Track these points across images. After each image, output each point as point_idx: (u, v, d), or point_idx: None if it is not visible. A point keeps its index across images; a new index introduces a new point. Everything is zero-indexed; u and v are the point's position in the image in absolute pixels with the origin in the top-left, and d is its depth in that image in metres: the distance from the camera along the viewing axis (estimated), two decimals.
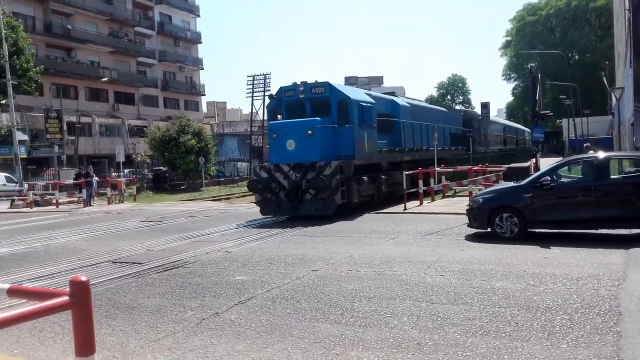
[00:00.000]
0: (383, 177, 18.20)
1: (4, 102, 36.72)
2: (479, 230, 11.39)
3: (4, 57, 33.13)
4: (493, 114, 48.43)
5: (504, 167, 18.76)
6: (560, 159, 15.38)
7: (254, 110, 52.89)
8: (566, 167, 11.84)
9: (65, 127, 43.44)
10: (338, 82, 20.06)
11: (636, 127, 23.98)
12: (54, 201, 27.60)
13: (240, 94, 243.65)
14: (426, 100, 59.07)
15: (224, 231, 14.28)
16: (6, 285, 3.57)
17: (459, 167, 22.46)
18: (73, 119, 46.39)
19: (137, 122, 57.57)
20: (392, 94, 22.81)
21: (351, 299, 6.77)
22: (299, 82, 17.15)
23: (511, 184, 12.01)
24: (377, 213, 16.57)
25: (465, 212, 12.08)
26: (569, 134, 55.06)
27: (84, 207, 25.82)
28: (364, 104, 17.20)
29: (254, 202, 16.92)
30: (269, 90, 44.64)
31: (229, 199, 28.49)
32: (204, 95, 73.58)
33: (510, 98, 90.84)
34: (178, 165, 36.88)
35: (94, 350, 3.14)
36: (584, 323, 5.48)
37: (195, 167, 37.42)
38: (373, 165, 17.91)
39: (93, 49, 54.05)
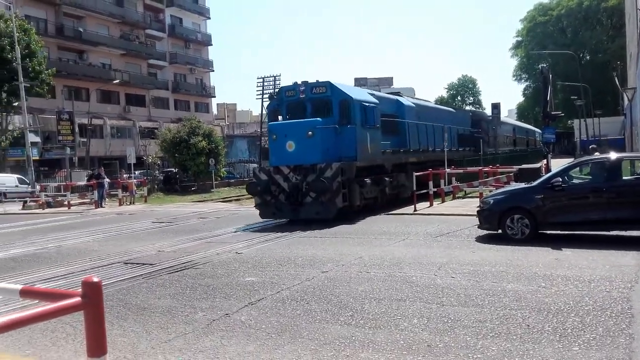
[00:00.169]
0: (387, 179, 17.75)
1: (16, 104, 37.09)
2: (490, 232, 11.34)
3: (17, 60, 33.48)
4: (504, 115, 48.17)
5: (515, 168, 18.66)
6: (571, 160, 15.25)
7: (263, 112, 53.05)
8: (578, 168, 11.76)
9: (77, 129, 43.70)
10: (348, 84, 19.96)
11: None
12: (66, 202, 27.81)
13: (250, 96, 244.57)
14: (436, 101, 58.92)
15: (234, 232, 14.32)
16: (19, 286, 3.61)
17: (469, 169, 22.35)
18: (85, 121, 46.72)
19: (148, 124, 57.90)
20: (397, 94, 22.41)
21: (361, 300, 6.76)
22: (300, 82, 16.77)
23: (522, 185, 11.95)
24: (387, 214, 16.54)
25: (475, 213, 12.04)
26: (581, 134, 54.68)
27: (96, 208, 25.99)
28: (367, 104, 16.77)
29: (254, 206, 16.58)
30: None
31: (239, 200, 28.54)
32: (214, 97, 73.89)
33: (521, 99, 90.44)
34: (188, 167, 37.04)
35: (105, 351, 3.16)
36: (596, 325, 5.44)
37: (205, 169, 37.57)
38: (376, 167, 17.45)
39: (104, 51, 54.45)
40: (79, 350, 5.41)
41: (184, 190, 36.98)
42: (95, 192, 26.97)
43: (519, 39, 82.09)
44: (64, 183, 32.69)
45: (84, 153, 45.64)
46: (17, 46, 33.85)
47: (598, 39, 72.74)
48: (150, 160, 40.99)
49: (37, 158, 41.54)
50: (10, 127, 40.31)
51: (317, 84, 16.41)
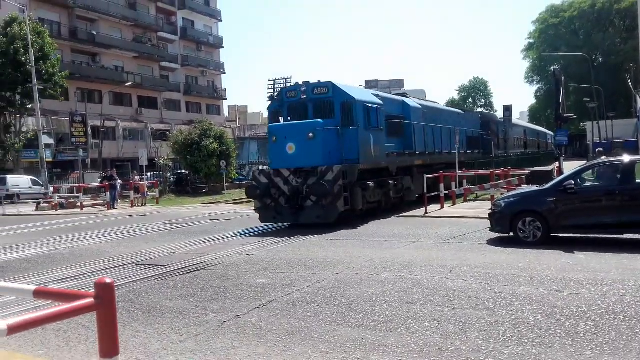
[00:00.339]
0: (391, 182, 17.25)
1: (30, 106, 37.49)
2: (502, 235, 11.28)
3: (31, 62, 33.81)
4: (515, 117, 47.77)
5: (527, 170, 18.57)
6: (584, 162, 15.12)
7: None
8: (590, 171, 11.67)
9: (89, 131, 44.09)
10: (359, 86, 19.95)
11: None
12: (79, 204, 28.04)
13: (261, 98, 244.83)
14: (447, 103, 58.72)
15: (244, 234, 14.36)
16: (33, 287, 3.64)
17: (481, 171, 22.24)
18: (97, 123, 47.10)
19: (160, 126, 58.25)
20: (403, 95, 21.99)
21: (372, 303, 6.75)
22: (301, 82, 16.41)
23: (534, 187, 11.87)
24: (397, 217, 16.50)
25: (487, 216, 11.99)
26: (593, 137, 54.26)
27: (108, 210, 26.18)
28: (370, 105, 16.29)
29: (254, 209, 16.08)
30: None
31: (250, 202, 28.56)
32: (226, 99, 74.18)
33: (533, 101, 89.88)
34: (200, 169, 37.17)
35: (118, 352, 3.18)
36: (609, 329, 5.40)
37: (216, 171, 37.68)
38: (380, 170, 17.02)
39: (117, 54, 54.88)
40: (91, 350, 5.45)
41: (195, 192, 37.13)
42: (108, 194, 27.19)
43: (531, 40, 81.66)
44: (77, 185, 32.98)
45: (96, 155, 45.98)
46: (31, 49, 34.19)
47: (611, 40, 72.19)
48: (162, 162, 41.19)
49: (51, 160, 41.91)
50: (24, 129, 40.77)
51: (319, 85, 16.03)
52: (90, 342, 5.72)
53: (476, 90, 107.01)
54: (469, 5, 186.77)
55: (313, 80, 16.31)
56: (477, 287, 7.25)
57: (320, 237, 12.89)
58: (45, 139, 39.09)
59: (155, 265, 10.14)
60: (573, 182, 10.52)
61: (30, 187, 36.58)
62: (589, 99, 55.00)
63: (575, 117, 39.96)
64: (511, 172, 20.48)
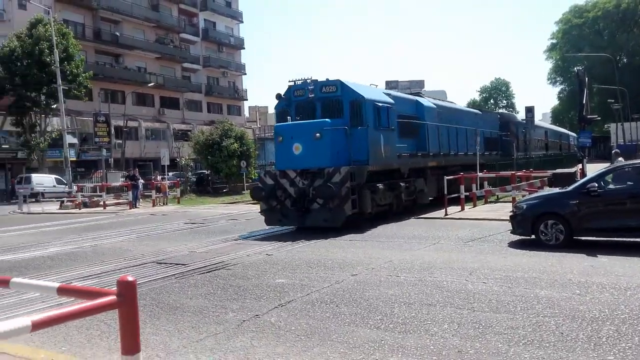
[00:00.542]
0: (402, 184, 16.66)
1: (55, 106, 38.10)
2: (523, 237, 11.17)
3: (55, 63, 34.37)
4: (538, 119, 47.11)
5: (549, 172, 18.32)
6: (607, 164, 14.88)
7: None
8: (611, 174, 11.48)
9: (113, 131, 44.71)
10: (379, 87, 19.70)
11: None
12: (102, 203, 28.43)
13: None
14: (468, 104, 58.18)
15: (264, 234, 14.40)
16: (56, 284, 3.71)
17: (502, 173, 22.00)
18: (120, 123, 47.68)
19: (181, 127, 58.78)
20: (418, 94, 21.33)
21: (391, 304, 6.74)
22: (309, 80, 15.80)
23: (556, 190, 11.73)
24: (417, 218, 16.41)
25: (508, 218, 11.88)
26: (617, 139, 53.39)
27: (130, 209, 26.48)
28: (380, 104, 15.67)
29: (259, 211, 15.68)
30: None
31: None
32: (246, 100, 74.56)
33: (556, 102, 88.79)
34: (220, 169, 37.38)
35: (139, 349, 3.22)
36: (632, 334, 5.31)
37: (237, 171, 37.86)
38: (391, 172, 16.43)
39: (140, 55, 55.50)
40: (112, 348, 5.52)
41: (215, 191, 37.36)
42: (130, 193, 27.50)
43: (554, 41, 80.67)
44: (100, 184, 33.41)
45: (119, 154, 46.54)
46: (55, 50, 34.77)
47: (635, 41, 70.94)
48: (183, 162, 41.55)
49: (75, 159, 42.55)
50: (48, 129, 41.47)
51: (327, 83, 15.51)
52: (112, 339, 5.80)
53: (498, 91, 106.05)
54: (492, 6, 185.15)
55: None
56: (497, 290, 7.18)
57: (339, 238, 12.87)
58: (70, 139, 39.70)
59: (176, 264, 10.23)
60: (596, 185, 10.36)
61: (54, 186, 37.21)
62: (613, 100, 54.16)
63: (599, 118, 39.40)
64: (533, 174, 20.15)
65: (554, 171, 17.89)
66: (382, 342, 5.39)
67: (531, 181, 18.49)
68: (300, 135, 14.76)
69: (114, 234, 16.13)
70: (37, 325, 2.83)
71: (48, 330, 5.70)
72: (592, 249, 9.88)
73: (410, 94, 21.48)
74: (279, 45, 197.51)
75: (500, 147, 27.21)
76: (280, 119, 16.22)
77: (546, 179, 17.38)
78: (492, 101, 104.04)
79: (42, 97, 39.16)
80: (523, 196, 14.91)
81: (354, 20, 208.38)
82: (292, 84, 16.00)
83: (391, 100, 16.60)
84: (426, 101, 19.91)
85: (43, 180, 37.70)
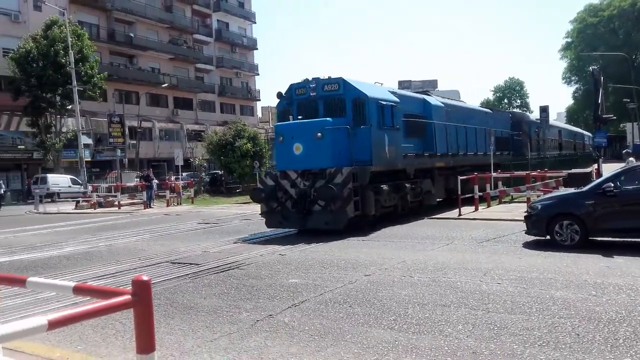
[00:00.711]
0: (408, 185, 16.11)
1: (70, 107, 38.47)
2: (538, 238, 11.09)
3: (70, 64, 34.71)
4: (552, 118, 46.64)
5: (564, 172, 18.14)
6: (623, 164, 14.70)
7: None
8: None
9: (127, 131, 45.06)
10: (392, 87, 19.59)
11: None
12: (116, 203, 28.67)
13: None
14: (481, 104, 57.81)
15: (277, 234, 14.42)
16: (72, 284, 3.74)
17: (516, 173, 21.82)
18: (134, 123, 48.02)
19: (195, 127, 59.08)
20: (425, 92, 20.73)
21: (404, 305, 6.71)
22: (311, 78, 15.39)
23: (572, 190, 11.62)
24: (430, 218, 16.35)
25: (522, 218, 11.79)
26: (633, 138, 52.78)
27: (145, 209, 26.65)
28: (384, 103, 15.18)
29: (260, 213, 15.32)
30: None
31: None
32: (259, 100, 74.74)
33: (571, 101, 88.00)
34: (234, 169, 37.50)
35: (154, 348, 3.24)
36: None
37: (250, 171, 37.92)
38: (397, 172, 15.93)
39: (154, 55, 55.84)
40: (127, 347, 5.56)
41: (229, 192, 37.48)
42: (145, 193, 27.69)
43: (569, 40, 79.92)
44: (115, 184, 33.67)
45: (133, 155, 46.89)
46: (70, 51, 35.11)
47: None
48: (196, 163, 41.73)
49: (89, 159, 42.91)
50: (64, 130, 41.88)
51: (329, 81, 15.04)
52: (126, 338, 5.84)
53: (512, 91, 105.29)
54: (506, 5, 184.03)
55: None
56: (512, 291, 7.13)
57: (352, 238, 12.85)
58: (84, 139, 40.05)
59: (190, 264, 10.29)
60: (612, 185, 10.25)
61: (69, 186, 37.55)
62: (628, 100, 53.58)
63: (615, 118, 38.91)
64: (548, 174, 19.91)
65: (570, 171, 17.72)
66: (396, 342, 5.37)
67: (546, 181, 18.34)
68: (301, 135, 14.38)
69: (128, 233, 16.25)
70: (53, 324, 2.85)
71: (64, 329, 5.75)
72: (608, 250, 9.78)
73: (417, 92, 20.91)
74: (291, 45, 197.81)
75: (511, 146, 26.69)
76: (282, 118, 15.86)
77: (561, 179, 17.23)
78: (505, 101, 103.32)
79: (58, 98, 39.55)
80: (538, 196, 14.79)
81: (367, 20, 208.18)
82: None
83: (396, 99, 16.12)
84: (434, 100, 19.40)
85: (58, 180, 38.07)
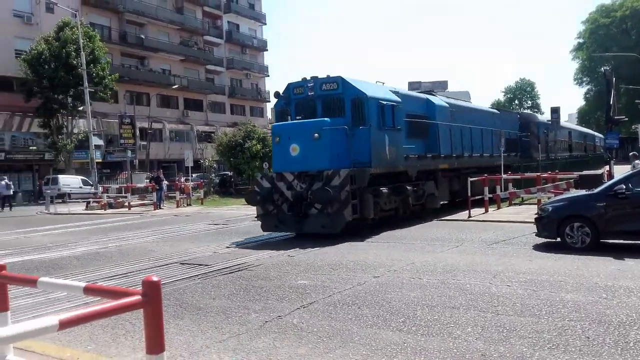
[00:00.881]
0: (409, 188, 15.62)
1: (81, 108, 38.74)
2: (548, 240, 11.02)
3: (82, 66, 34.98)
4: (563, 119, 46.17)
5: (575, 174, 18.04)
6: (630, 167, 14.59)
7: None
8: None
9: (137, 132, 45.30)
10: (402, 87, 19.46)
11: None
12: (127, 204, 28.80)
13: None
14: (492, 105, 57.47)
15: (285, 235, 14.43)
16: (83, 284, 3.77)
17: (526, 174, 21.68)
18: (145, 124, 48.26)
19: (205, 128, 59.28)
20: (429, 92, 20.16)
21: (413, 306, 6.70)
22: (309, 77, 14.98)
23: (583, 192, 11.55)
24: (440, 220, 16.31)
25: (533, 220, 11.73)
26: None
27: (155, 209, 26.77)
28: (385, 102, 14.73)
29: (255, 216, 14.89)
30: None
31: None
32: (269, 101, 74.69)
33: (582, 102, 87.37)
34: (243, 170, 37.60)
35: (163, 349, 3.26)
36: None
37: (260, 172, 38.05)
38: (398, 174, 15.52)
39: (164, 57, 56.08)
40: (137, 347, 5.59)
41: (238, 193, 37.53)
42: (155, 194, 27.82)
43: (580, 40, 79.41)
44: (125, 185, 33.85)
45: (144, 156, 47.11)
46: (82, 52, 35.36)
47: None
48: (206, 164, 41.90)
49: (100, 160, 43.17)
50: (75, 131, 42.19)
51: (327, 80, 14.59)
52: (136, 339, 5.87)
53: (522, 92, 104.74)
54: (517, 6, 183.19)
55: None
56: (522, 293, 7.10)
57: (361, 240, 12.84)
58: (96, 140, 40.33)
59: (199, 265, 10.32)
60: (624, 187, 10.18)
61: (80, 187, 37.79)
62: None
63: (627, 119, 38.57)
64: (559, 176, 19.71)
65: (581, 173, 17.59)
66: (405, 344, 5.36)
67: (557, 183, 18.24)
68: (297, 136, 13.97)
69: (138, 234, 16.33)
70: (64, 324, 2.88)
71: (74, 329, 5.79)
72: (619, 252, 9.71)
73: (422, 92, 20.45)
74: (301, 46, 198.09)
75: (519, 148, 26.20)
76: (280, 118, 15.51)
77: (572, 181, 17.13)
78: (516, 102, 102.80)
79: (69, 100, 39.85)
80: (548, 198, 14.72)
81: (376, 21, 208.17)
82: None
83: (397, 99, 15.66)
84: (438, 100, 18.90)
85: (70, 181, 38.32)
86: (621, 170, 14.87)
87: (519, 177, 21.18)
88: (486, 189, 17.82)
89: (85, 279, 9.22)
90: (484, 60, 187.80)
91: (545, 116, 37.81)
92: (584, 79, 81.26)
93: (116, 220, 22.19)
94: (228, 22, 66.86)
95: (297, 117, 14.76)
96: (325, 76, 14.74)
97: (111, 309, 3.14)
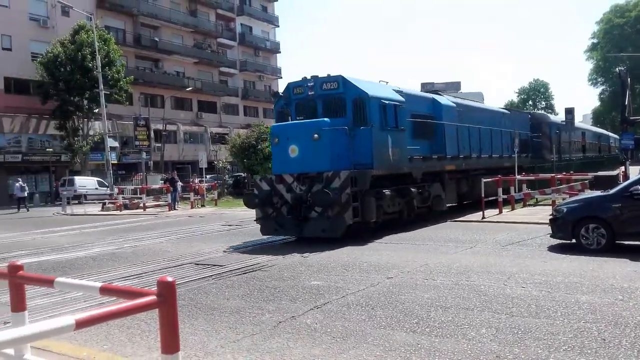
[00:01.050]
0: (414, 190, 15.15)
1: (97, 110, 39.13)
2: (563, 242, 10.93)
3: (97, 68, 35.32)
4: (578, 120, 45.64)
5: (590, 175, 17.88)
6: None
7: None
8: None
9: (152, 134, 45.64)
10: (415, 88, 19.28)
11: None
12: (142, 205, 29.01)
13: None
14: (505, 106, 57.06)
15: (294, 237, 14.42)
16: (99, 284, 3.82)
17: (541, 175, 21.49)
18: (160, 126, 48.62)
19: (218, 130, 59.61)
20: (436, 92, 19.66)
21: (427, 308, 6.69)
22: (309, 77, 14.60)
23: (598, 193, 11.45)
24: (453, 221, 16.23)
25: (547, 222, 11.65)
26: None
27: (169, 210, 26.93)
28: (387, 102, 14.27)
29: (254, 219, 14.53)
30: None
31: None
32: None
33: (597, 103, 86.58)
34: (256, 171, 37.68)
35: (178, 349, 3.29)
36: None
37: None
38: (402, 176, 15.07)
39: (178, 59, 56.48)
40: (152, 346, 5.64)
41: None
42: (169, 195, 28.00)
43: (595, 41, 78.73)
44: (140, 186, 34.09)
45: (158, 157, 47.44)
46: (97, 55, 35.71)
47: None
48: (220, 165, 42.09)
49: (116, 162, 43.58)
50: (91, 133, 42.62)
51: (328, 79, 14.17)
52: (151, 338, 5.92)
53: (536, 93, 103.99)
54: (531, 6, 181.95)
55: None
56: (536, 295, 7.05)
57: (374, 241, 12.83)
58: (111, 142, 40.70)
59: (213, 265, 10.37)
60: None
61: (96, 188, 38.17)
62: None
63: None
64: (574, 177, 19.47)
65: (596, 174, 17.42)
66: (419, 345, 5.36)
67: (571, 184, 18.09)
68: (297, 136, 13.56)
69: (153, 235, 16.44)
70: (80, 324, 2.92)
71: (90, 329, 5.85)
72: (635, 254, 9.60)
73: (428, 92, 19.87)
74: (314, 48, 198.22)
75: (530, 149, 25.74)
76: (280, 119, 15.12)
77: (587, 181, 16.98)
78: (530, 102, 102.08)
79: (85, 102, 40.30)
80: (563, 199, 14.60)
81: (389, 20, 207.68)
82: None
83: (401, 98, 15.13)
84: (444, 99, 18.28)
85: (85, 182, 38.71)
86: (637, 171, 14.71)
87: (533, 178, 20.99)
88: (500, 190, 17.70)
89: (101, 279, 9.31)
90: (497, 61, 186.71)
91: (560, 117, 37.39)
92: (599, 79, 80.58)
93: (131, 221, 22.36)
94: (241, 24, 67.18)
95: (298, 118, 14.47)
96: (325, 75, 14.37)
97: (127, 309, 3.18)
